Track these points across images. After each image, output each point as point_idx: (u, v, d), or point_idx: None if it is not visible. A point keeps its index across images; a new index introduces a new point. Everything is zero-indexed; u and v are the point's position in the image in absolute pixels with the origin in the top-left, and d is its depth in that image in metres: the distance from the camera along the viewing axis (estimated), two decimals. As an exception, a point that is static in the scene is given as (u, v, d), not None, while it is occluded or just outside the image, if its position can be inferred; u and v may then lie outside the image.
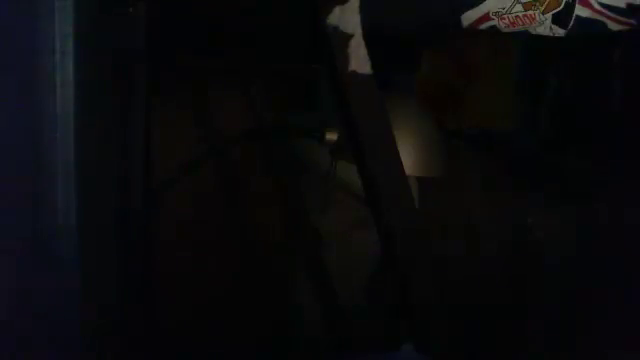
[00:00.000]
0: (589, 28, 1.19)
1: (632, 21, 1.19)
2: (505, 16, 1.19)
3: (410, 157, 1.34)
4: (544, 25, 1.20)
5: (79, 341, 0.95)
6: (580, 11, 1.18)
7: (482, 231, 1.57)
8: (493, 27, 1.21)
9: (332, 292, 1.51)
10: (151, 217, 1.22)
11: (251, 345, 1.48)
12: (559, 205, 1.55)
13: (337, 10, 1.19)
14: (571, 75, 1.60)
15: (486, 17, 1.20)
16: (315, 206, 1.52)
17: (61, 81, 0.89)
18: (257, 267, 1.52)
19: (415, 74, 1.54)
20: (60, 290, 0.92)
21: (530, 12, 1.19)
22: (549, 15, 1.19)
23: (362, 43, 1.20)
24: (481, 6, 1.19)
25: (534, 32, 1.21)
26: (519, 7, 1.18)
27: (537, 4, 1.18)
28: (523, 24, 1.20)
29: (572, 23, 1.19)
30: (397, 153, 1.21)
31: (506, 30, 1.21)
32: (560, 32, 1.20)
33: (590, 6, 1.18)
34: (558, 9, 1.18)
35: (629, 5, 1.17)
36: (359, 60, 1.19)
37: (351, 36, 1.19)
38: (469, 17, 1.20)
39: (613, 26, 1.20)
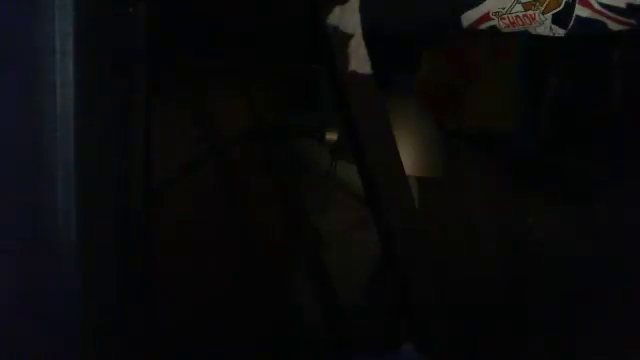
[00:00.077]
0: (589, 28, 1.19)
1: (632, 21, 1.19)
2: (505, 16, 1.19)
3: (410, 157, 1.34)
4: (544, 25, 1.20)
5: (79, 341, 0.95)
6: (580, 11, 1.18)
7: (482, 231, 1.57)
8: (493, 27, 1.21)
9: (332, 292, 1.51)
10: (151, 217, 1.22)
11: (251, 345, 1.48)
12: (559, 205, 1.55)
13: (337, 10, 1.19)
14: (571, 75, 1.60)
15: (486, 17, 1.20)
16: (315, 206, 1.52)
17: (61, 81, 0.89)
18: (257, 267, 1.52)
19: (415, 74, 1.54)
20: (60, 290, 0.92)
21: (530, 12, 1.19)
22: (549, 15, 1.19)
23: (362, 43, 1.20)
24: (481, 6, 1.19)
25: (534, 32, 1.21)
26: (519, 7, 1.18)
27: (537, 4, 1.18)
28: (523, 24, 1.20)
29: (572, 23, 1.19)
30: (397, 153, 1.21)
31: (506, 30, 1.21)
32: (560, 32, 1.20)
33: (590, 6, 1.18)
34: (558, 9, 1.18)
35: (629, 5, 1.17)
36: (359, 60, 1.19)
37: (351, 36, 1.19)
38: (469, 17, 1.20)
39: (613, 26, 1.20)
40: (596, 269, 1.47)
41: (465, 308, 1.34)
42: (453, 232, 1.56)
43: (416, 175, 1.39)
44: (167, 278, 1.37)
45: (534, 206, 1.56)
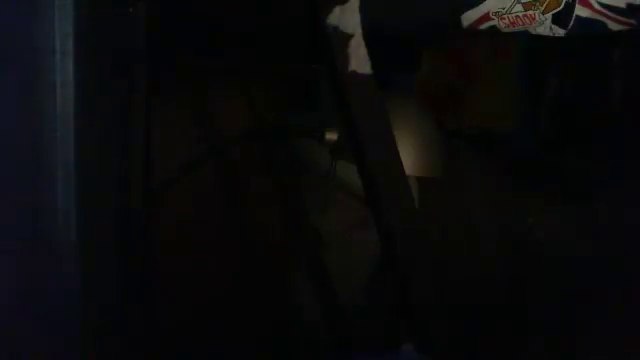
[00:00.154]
0: (589, 28, 1.19)
1: (632, 21, 1.19)
2: (505, 16, 1.19)
3: (410, 157, 1.34)
4: (544, 25, 1.20)
5: (79, 341, 0.95)
6: (580, 11, 1.18)
7: (482, 231, 1.57)
8: (493, 27, 1.21)
9: (332, 292, 1.51)
10: (151, 217, 1.22)
11: (251, 345, 1.48)
12: (559, 205, 1.55)
13: (337, 10, 1.19)
14: (571, 75, 1.60)
15: (486, 17, 1.20)
16: (315, 206, 1.52)
17: (61, 81, 0.89)
18: (257, 267, 1.52)
19: (415, 74, 1.54)
20: (60, 290, 0.92)
21: (530, 12, 1.19)
22: (549, 15, 1.19)
23: (362, 43, 1.20)
24: (481, 6, 1.19)
25: (534, 32, 1.21)
26: (519, 7, 1.18)
27: (537, 4, 1.18)
28: (523, 24, 1.20)
29: (572, 23, 1.19)
30: (397, 153, 1.21)
31: (506, 30, 1.21)
32: (560, 32, 1.20)
33: (590, 6, 1.18)
34: (558, 9, 1.18)
35: (629, 5, 1.17)
36: (359, 60, 1.19)
37: (351, 36, 1.19)
38: (469, 17, 1.20)
39: (613, 26, 1.20)
40: (596, 269, 1.47)
41: (465, 308, 1.34)
42: (453, 232, 1.56)
43: (416, 175, 1.39)
44: (167, 278, 1.37)
45: (534, 206, 1.56)
